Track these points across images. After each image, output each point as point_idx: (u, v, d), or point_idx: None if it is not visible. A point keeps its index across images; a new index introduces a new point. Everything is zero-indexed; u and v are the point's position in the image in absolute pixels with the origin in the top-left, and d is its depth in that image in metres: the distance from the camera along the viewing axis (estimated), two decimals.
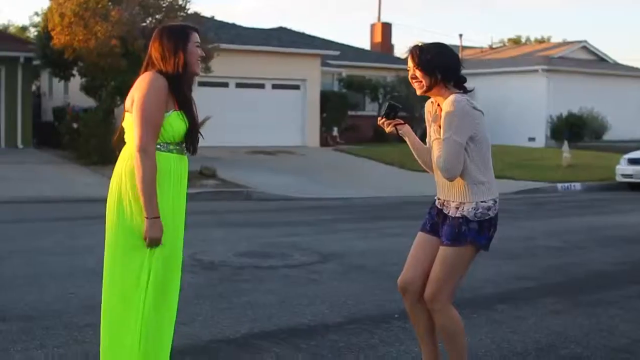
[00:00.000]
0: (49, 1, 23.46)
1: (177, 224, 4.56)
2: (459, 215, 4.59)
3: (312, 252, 10.23)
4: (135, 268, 4.40)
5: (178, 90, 4.45)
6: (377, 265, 9.44)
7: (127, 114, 4.49)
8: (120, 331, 4.44)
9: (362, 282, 8.45)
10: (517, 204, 17.97)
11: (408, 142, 4.84)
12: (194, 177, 19.13)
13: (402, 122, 4.78)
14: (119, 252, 4.45)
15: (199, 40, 4.54)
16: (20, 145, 27.01)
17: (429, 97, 4.75)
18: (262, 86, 30.98)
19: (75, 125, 22.35)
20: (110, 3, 20.97)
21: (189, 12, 22.81)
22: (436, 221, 4.77)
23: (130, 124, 4.44)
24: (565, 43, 46.55)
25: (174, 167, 4.48)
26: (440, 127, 4.57)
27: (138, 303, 4.40)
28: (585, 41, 43.40)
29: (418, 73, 4.61)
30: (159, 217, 4.32)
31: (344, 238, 11.82)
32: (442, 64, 4.58)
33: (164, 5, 22.29)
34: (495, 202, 4.63)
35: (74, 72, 25.33)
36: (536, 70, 37.48)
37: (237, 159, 25.21)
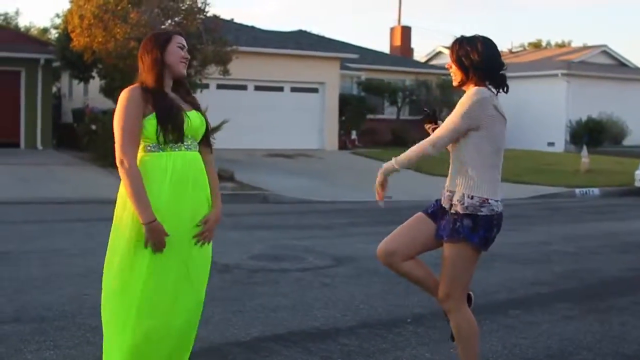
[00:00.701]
0: (69, 3, 23.58)
1: (181, 222, 4.47)
2: (454, 212, 4.64)
3: (326, 255, 10.25)
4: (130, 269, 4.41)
5: (152, 93, 4.46)
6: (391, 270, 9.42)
7: None
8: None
9: (375, 286, 8.45)
10: (535, 209, 17.92)
11: None
12: None
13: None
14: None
15: (184, 44, 4.57)
16: (39, 147, 27.19)
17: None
18: (280, 89, 31.04)
19: (93, 127, 22.47)
20: (129, 5, 21.04)
21: (208, 14, 22.86)
22: (438, 209, 4.84)
23: None
24: (585, 47, 46.35)
25: (172, 166, 4.41)
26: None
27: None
28: (606, 46, 43.20)
29: (454, 67, 4.71)
30: (154, 221, 4.28)
31: (359, 241, 11.82)
32: (476, 63, 4.62)
33: (183, 7, 22.34)
34: (489, 202, 4.60)
35: (94, 73, 25.49)
36: (556, 75, 37.35)
37: (255, 161, 25.25)
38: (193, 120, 4.51)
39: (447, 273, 4.74)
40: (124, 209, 4.41)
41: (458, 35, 4.77)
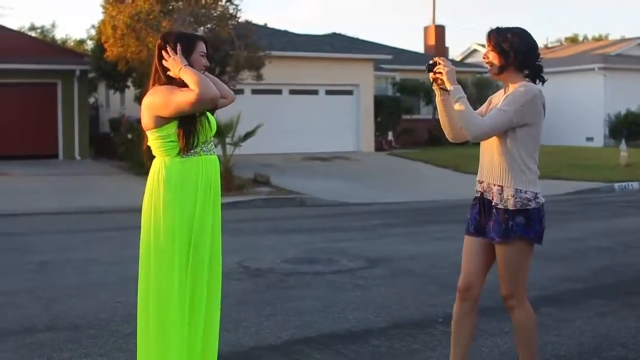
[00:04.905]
0: (102, 14, 23.80)
1: (204, 228, 4.60)
2: (502, 207, 4.59)
3: (360, 257, 10.24)
4: (166, 269, 4.51)
5: None
6: (424, 269, 9.41)
7: (148, 133, 4.59)
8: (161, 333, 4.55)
9: (408, 287, 8.43)
10: (573, 204, 17.77)
11: (440, 100, 4.77)
12: (247, 184, 19.30)
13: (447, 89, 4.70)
14: (152, 253, 4.56)
15: (204, 50, 4.64)
16: (77, 157, 27.46)
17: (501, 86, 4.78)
18: (315, 92, 31.06)
19: (129, 136, 22.65)
20: (161, 14, 21.19)
21: (240, 20, 22.94)
22: (479, 221, 4.76)
23: (153, 141, 4.56)
24: (622, 40, 45.88)
25: (202, 170, 4.56)
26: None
27: (173, 302, 4.51)
28: None
29: (491, 54, 4.64)
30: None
31: (394, 242, 11.81)
32: (516, 46, 4.58)
33: (215, 14, 22.45)
34: (537, 195, 4.61)
35: (128, 83, 25.71)
36: (592, 69, 37.00)
37: (291, 165, 25.31)
38: (213, 124, 4.61)
39: (507, 273, 4.71)
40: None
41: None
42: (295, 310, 7.28)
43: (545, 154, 29.37)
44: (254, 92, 28.07)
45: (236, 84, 23.16)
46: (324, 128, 30.37)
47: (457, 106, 4.57)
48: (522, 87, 4.57)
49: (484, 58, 4.73)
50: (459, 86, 4.60)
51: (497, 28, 4.68)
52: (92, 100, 35.19)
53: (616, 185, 21.92)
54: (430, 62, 4.69)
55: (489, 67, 4.69)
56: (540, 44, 53.38)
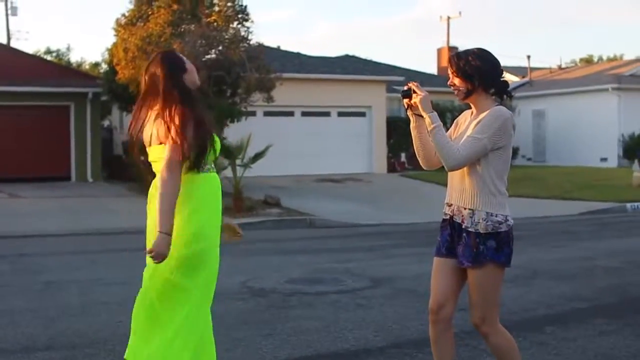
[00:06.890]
0: (114, 37, 23.95)
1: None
2: (473, 231, 4.53)
3: (365, 277, 10.20)
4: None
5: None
6: (428, 289, 9.28)
7: (151, 148, 4.57)
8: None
9: (410, 307, 8.38)
10: (584, 224, 17.68)
11: (414, 127, 4.78)
12: (257, 205, 19.29)
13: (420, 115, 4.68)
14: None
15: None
16: (90, 179, 27.56)
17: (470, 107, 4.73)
18: (327, 114, 31.09)
19: (142, 158, 22.67)
20: (172, 36, 21.29)
21: (252, 42, 23.00)
22: (451, 242, 4.71)
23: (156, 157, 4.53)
24: (636, 60, 45.69)
25: (217, 186, 4.65)
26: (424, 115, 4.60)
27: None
28: None
29: (456, 80, 4.63)
30: (170, 234, 4.37)
31: (399, 263, 11.77)
32: (479, 69, 4.57)
33: (226, 37, 22.53)
34: (507, 218, 4.57)
35: None
36: (606, 89, 36.83)
37: (303, 187, 25.29)
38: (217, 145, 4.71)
39: (478, 298, 4.65)
40: None
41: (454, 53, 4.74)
42: (294, 330, 7.25)
43: (559, 174, 29.28)
44: (266, 113, 28.14)
45: (248, 105, 23.22)
46: (336, 150, 30.38)
47: (432, 135, 4.56)
48: (492, 112, 4.55)
49: (449, 85, 4.69)
50: (435, 113, 4.58)
51: (457, 53, 4.68)
52: (106, 122, 35.35)
53: (628, 205, 21.78)
54: (405, 88, 4.68)
55: (455, 92, 4.66)
56: (554, 64, 53.42)
